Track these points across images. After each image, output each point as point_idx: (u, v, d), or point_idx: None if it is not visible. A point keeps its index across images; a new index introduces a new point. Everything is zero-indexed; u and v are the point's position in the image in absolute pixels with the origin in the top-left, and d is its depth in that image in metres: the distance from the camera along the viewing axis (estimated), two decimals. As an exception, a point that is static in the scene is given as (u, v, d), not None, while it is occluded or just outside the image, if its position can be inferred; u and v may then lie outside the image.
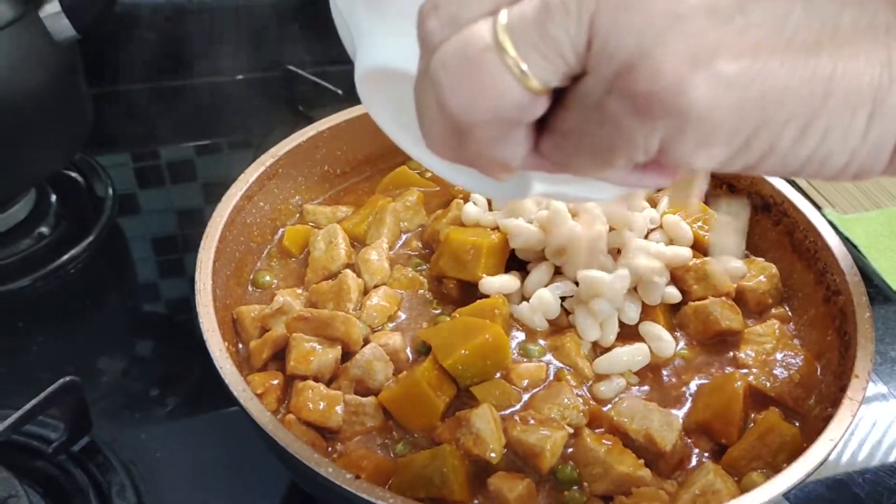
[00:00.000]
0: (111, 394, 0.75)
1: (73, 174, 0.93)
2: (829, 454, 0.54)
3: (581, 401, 0.62)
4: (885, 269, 0.90)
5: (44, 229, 0.88)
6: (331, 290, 0.68)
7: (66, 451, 0.67)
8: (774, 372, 0.65)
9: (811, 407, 0.64)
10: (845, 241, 0.91)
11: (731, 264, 0.71)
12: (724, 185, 0.78)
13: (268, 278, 0.72)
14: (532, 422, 0.59)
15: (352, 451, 0.60)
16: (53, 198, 0.91)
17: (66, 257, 0.84)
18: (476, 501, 0.58)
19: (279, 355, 0.65)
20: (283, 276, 0.73)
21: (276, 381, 0.62)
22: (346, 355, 0.64)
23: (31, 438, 0.67)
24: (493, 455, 0.57)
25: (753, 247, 0.76)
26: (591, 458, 0.58)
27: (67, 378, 0.65)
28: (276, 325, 0.65)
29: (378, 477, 0.57)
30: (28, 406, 0.63)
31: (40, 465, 0.67)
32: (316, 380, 0.62)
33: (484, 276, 0.68)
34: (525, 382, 0.63)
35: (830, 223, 0.87)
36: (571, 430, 0.60)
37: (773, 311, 0.71)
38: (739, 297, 0.70)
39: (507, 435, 0.59)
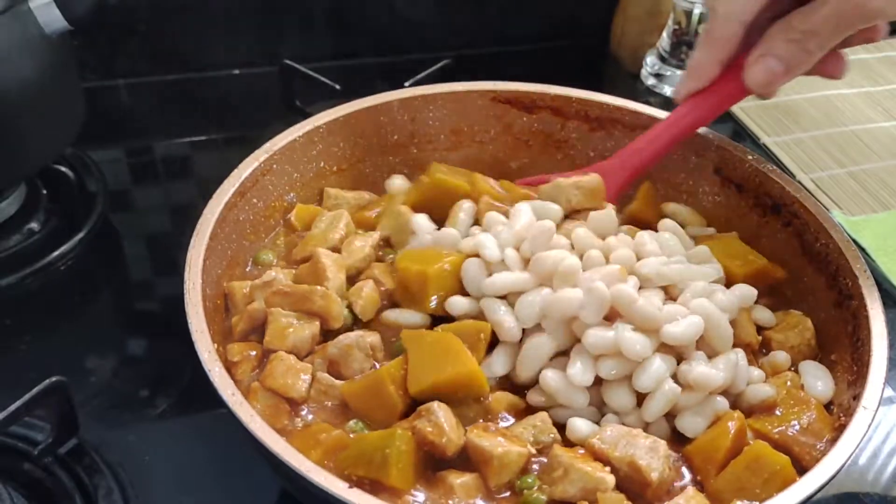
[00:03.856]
0: (100, 394, 0.73)
1: (65, 169, 0.91)
2: (843, 466, 0.52)
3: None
4: (894, 273, 0.88)
5: (33, 225, 0.86)
6: (308, 269, 0.66)
7: (53, 453, 0.65)
8: (780, 418, 0.60)
9: (817, 453, 0.59)
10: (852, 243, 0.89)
11: (758, 314, 0.67)
12: (732, 185, 0.76)
13: (269, 257, 0.71)
14: (493, 429, 0.56)
15: (312, 424, 0.58)
16: (44, 193, 0.89)
17: (56, 254, 0.82)
18: (417, 486, 0.55)
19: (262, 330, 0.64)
20: (285, 253, 0.72)
21: (253, 353, 0.62)
22: (328, 336, 0.63)
23: (17, 440, 0.66)
24: (447, 443, 0.55)
25: (762, 249, 0.73)
26: (554, 464, 0.55)
27: (54, 378, 0.63)
28: (259, 298, 0.64)
29: (333, 452, 0.55)
30: (13, 407, 0.62)
31: (26, 468, 0.65)
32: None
33: (434, 305, 0.63)
34: (504, 409, 0.60)
35: (838, 225, 0.85)
36: (534, 451, 0.56)
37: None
38: (765, 349, 0.67)
39: (466, 438, 0.56)
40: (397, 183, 0.78)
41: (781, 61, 0.63)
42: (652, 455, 0.55)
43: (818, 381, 0.63)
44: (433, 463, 0.56)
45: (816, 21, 0.61)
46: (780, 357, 0.65)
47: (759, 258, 0.70)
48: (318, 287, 0.63)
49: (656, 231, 0.70)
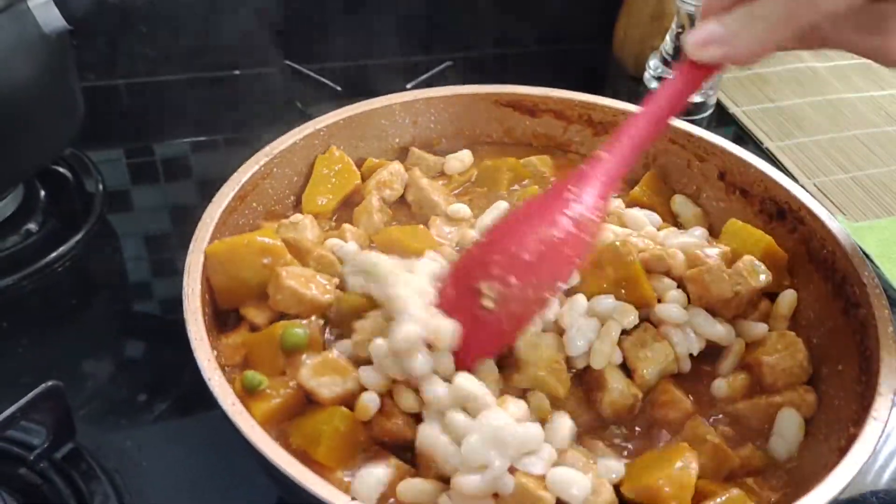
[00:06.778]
0: (97, 398, 0.72)
1: (63, 169, 0.91)
2: (854, 476, 0.51)
3: None
4: (899, 279, 0.87)
5: (31, 226, 0.85)
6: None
7: (49, 457, 0.64)
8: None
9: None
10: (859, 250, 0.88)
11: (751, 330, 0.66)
12: (737, 191, 0.75)
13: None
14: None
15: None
16: (42, 193, 0.89)
17: (53, 255, 0.82)
18: (343, 473, 0.55)
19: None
20: None
21: None
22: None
23: (13, 444, 0.65)
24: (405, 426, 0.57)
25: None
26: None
27: (50, 383, 0.63)
28: (286, 233, 0.67)
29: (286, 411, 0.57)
30: (8, 411, 0.61)
31: (21, 473, 0.64)
32: None
33: None
34: None
35: (843, 231, 0.84)
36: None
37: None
38: (754, 373, 0.64)
39: (515, 479, 0.53)
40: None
41: (725, 29, 0.55)
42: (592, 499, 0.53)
43: (783, 441, 0.61)
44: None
45: (768, 5, 0.54)
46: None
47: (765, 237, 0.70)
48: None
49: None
